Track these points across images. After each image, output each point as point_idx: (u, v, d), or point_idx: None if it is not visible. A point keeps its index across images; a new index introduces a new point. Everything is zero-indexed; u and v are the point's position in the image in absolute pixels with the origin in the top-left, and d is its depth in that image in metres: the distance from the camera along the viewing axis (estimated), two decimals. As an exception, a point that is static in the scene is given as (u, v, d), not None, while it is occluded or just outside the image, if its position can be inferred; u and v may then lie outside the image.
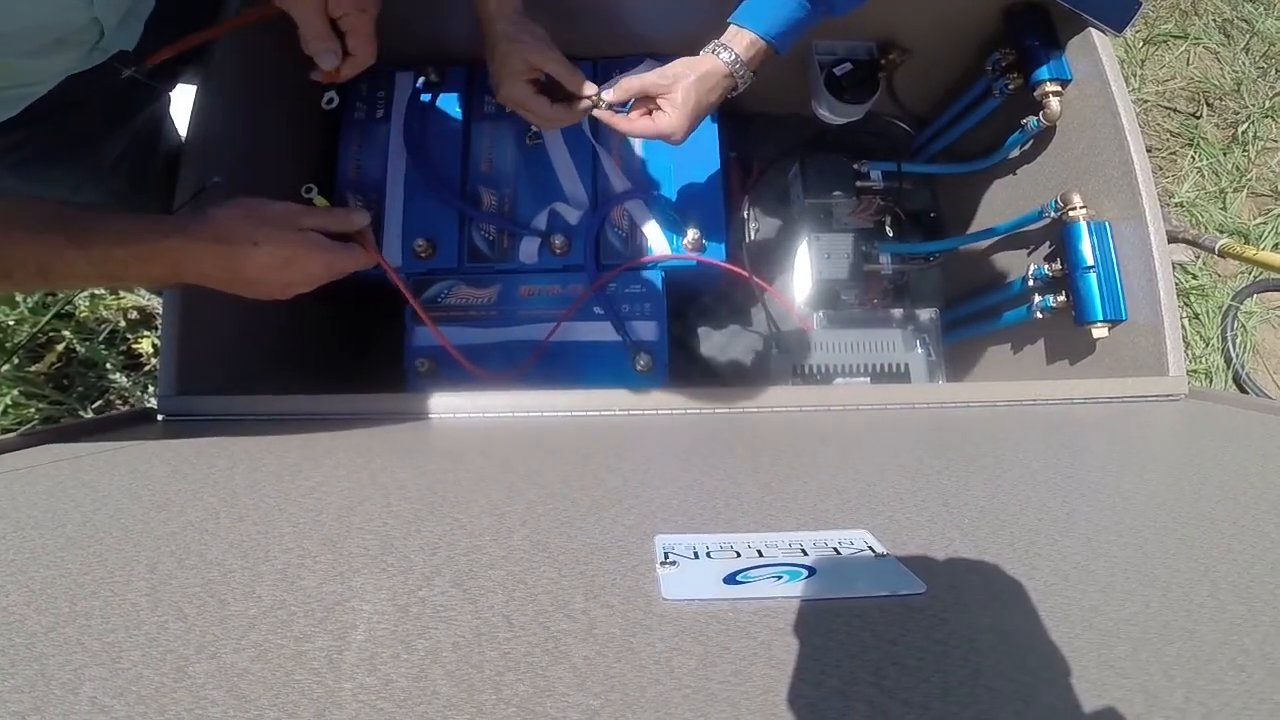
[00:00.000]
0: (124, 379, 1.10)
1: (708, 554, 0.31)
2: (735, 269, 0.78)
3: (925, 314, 0.87)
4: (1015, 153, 0.83)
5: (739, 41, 0.60)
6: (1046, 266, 0.74)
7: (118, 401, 1.12)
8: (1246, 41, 1.60)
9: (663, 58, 0.69)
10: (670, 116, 0.60)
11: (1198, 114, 1.54)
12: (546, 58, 0.59)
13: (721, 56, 0.60)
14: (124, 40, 0.51)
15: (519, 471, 0.43)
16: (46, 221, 0.43)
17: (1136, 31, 1.57)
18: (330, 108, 0.62)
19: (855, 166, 0.93)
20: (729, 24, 0.61)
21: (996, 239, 0.86)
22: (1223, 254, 1.00)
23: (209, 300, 0.60)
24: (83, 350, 1.10)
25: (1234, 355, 1.35)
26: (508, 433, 0.54)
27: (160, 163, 0.71)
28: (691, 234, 0.76)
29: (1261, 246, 1.33)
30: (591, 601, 0.28)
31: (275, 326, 0.74)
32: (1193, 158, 1.50)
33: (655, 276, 0.77)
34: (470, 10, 0.60)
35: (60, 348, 1.10)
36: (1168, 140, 1.52)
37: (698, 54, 0.61)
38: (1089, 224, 0.69)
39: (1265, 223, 1.46)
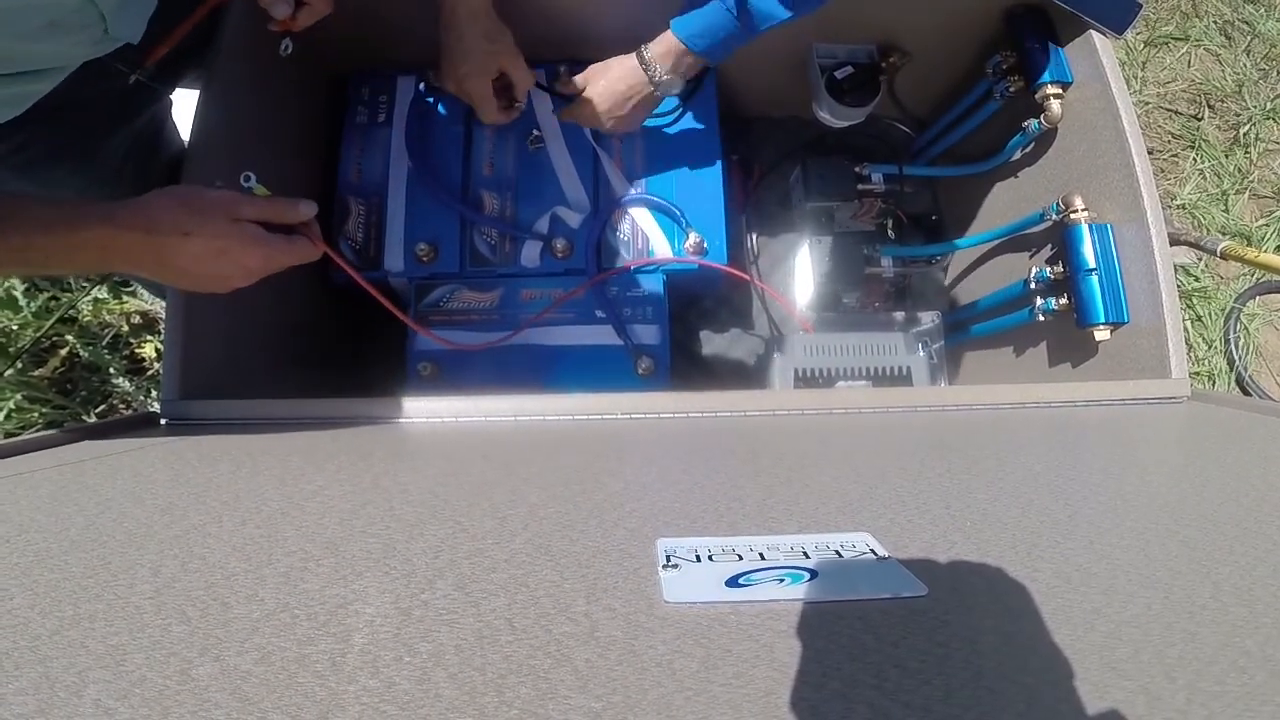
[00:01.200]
0: (127, 383, 1.10)
1: (710, 557, 0.31)
2: (736, 272, 0.78)
3: (927, 317, 0.87)
4: (1016, 155, 0.83)
5: (660, 43, 0.66)
6: (1048, 269, 0.74)
7: (121, 406, 1.12)
8: (1247, 43, 1.60)
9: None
10: (582, 109, 0.71)
11: (1199, 116, 1.54)
12: (516, 64, 0.67)
13: (642, 54, 0.67)
14: (128, 31, 0.50)
15: (521, 475, 0.43)
16: None
17: (1137, 34, 1.57)
18: (286, 54, 0.62)
19: (856, 169, 0.93)
20: None
21: (998, 241, 0.86)
22: (1225, 256, 1.00)
23: (212, 305, 0.60)
24: (86, 355, 1.10)
25: (1236, 357, 1.35)
26: (510, 436, 0.54)
27: (163, 165, 0.71)
28: (693, 237, 0.76)
29: (1264, 248, 1.33)
30: (593, 604, 0.28)
31: (278, 331, 0.74)
32: (1194, 160, 1.50)
33: (657, 280, 0.77)
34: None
35: (64, 352, 1.10)
36: (1169, 142, 1.52)
37: None
38: (1090, 226, 0.69)
39: (1267, 225, 1.46)
